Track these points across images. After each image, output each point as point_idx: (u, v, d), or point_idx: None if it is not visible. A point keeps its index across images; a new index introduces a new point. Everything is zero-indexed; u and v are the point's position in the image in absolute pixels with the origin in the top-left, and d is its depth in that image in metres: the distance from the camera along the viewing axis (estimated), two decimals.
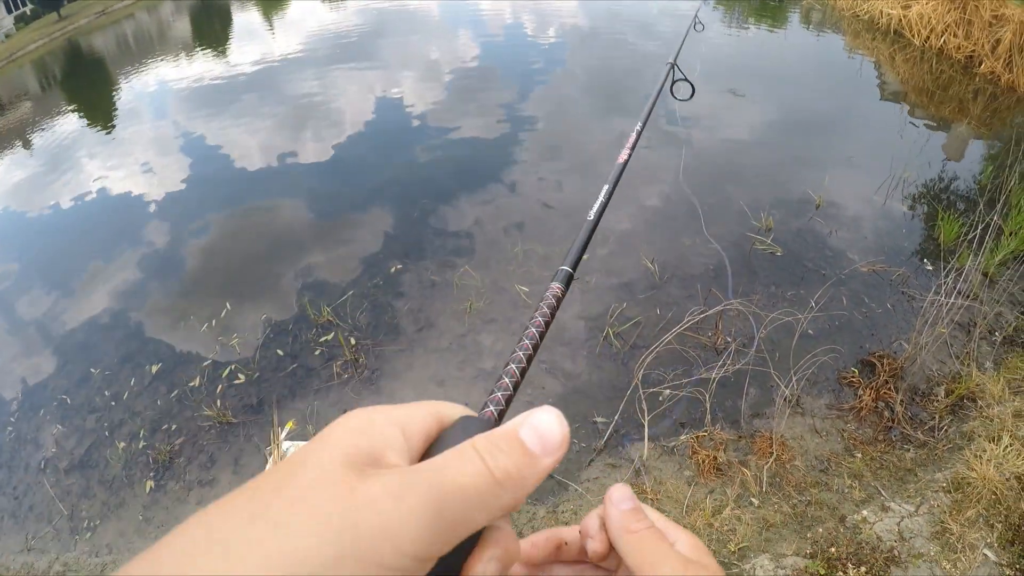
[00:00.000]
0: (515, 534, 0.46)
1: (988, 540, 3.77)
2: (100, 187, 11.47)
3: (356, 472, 0.39)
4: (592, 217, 1.06)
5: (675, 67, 2.43)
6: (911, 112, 11.07)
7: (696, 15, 3.86)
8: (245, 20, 26.56)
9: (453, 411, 0.51)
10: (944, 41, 13.71)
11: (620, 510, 0.57)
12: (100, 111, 17.47)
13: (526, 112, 11.77)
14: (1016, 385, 5.05)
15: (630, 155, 1.46)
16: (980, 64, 12.59)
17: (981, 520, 3.89)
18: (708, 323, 5.93)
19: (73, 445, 5.98)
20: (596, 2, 20.13)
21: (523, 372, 0.64)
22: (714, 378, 5.03)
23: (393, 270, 7.35)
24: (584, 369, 5.80)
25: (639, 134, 1.63)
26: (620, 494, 0.58)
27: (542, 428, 0.43)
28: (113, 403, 6.28)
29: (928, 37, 14.22)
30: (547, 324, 0.71)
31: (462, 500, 0.39)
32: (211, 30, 27.16)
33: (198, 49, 22.16)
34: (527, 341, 0.67)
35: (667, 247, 7.35)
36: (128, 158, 12.63)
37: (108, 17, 37.30)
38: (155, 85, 18.15)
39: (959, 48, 13.29)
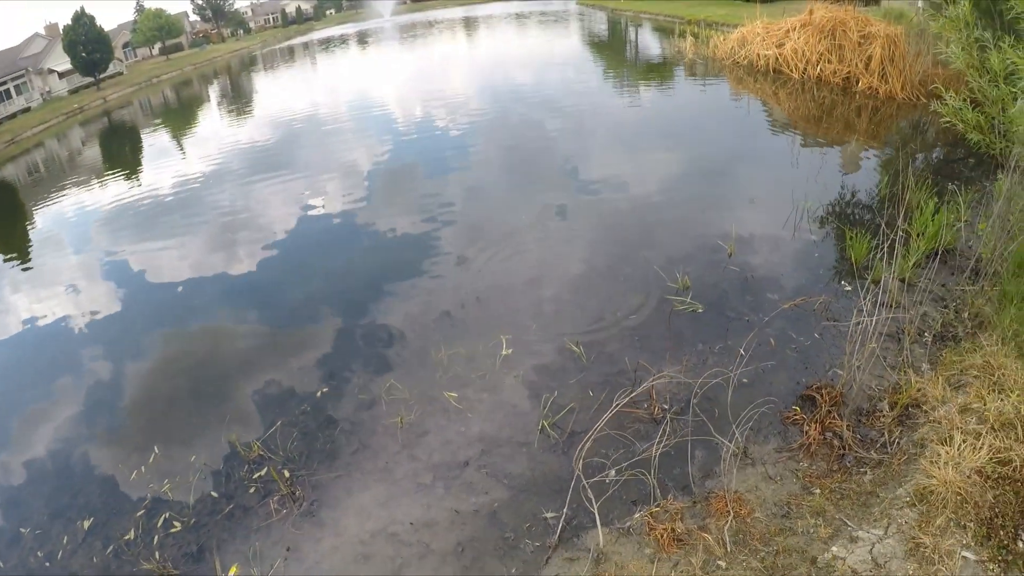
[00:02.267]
0: None
1: (964, 542, 3.54)
2: (18, 326, 10.99)
3: None
4: None
5: None
6: (803, 141, 11.43)
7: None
8: (154, 141, 26.75)
9: None
10: (820, 69, 14.51)
11: None
12: (16, 243, 17.07)
13: (443, 200, 11.87)
14: (955, 380, 4.94)
15: None
16: (858, 82, 13.33)
17: (952, 524, 3.66)
18: (642, 397, 5.77)
19: None
20: None
21: None
22: (655, 452, 4.79)
23: (319, 394, 7.07)
24: (526, 467, 5.52)
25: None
26: None
27: None
28: (48, 564, 5.79)
29: (805, 69, 15.02)
30: None
31: None
32: (121, 153, 27.20)
33: (110, 173, 22.12)
34: None
35: (590, 326, 7.20)
36: (44, 293, 12.21)
37: (17, 145, 37.07)
38: (71, 212, 17.94)
39: (835, 72, 14.05)
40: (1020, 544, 3.48)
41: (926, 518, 3.79)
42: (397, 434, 6.26)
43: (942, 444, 4.27)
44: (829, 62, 14.49)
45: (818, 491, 4.50)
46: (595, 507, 4.65)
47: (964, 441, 4.16)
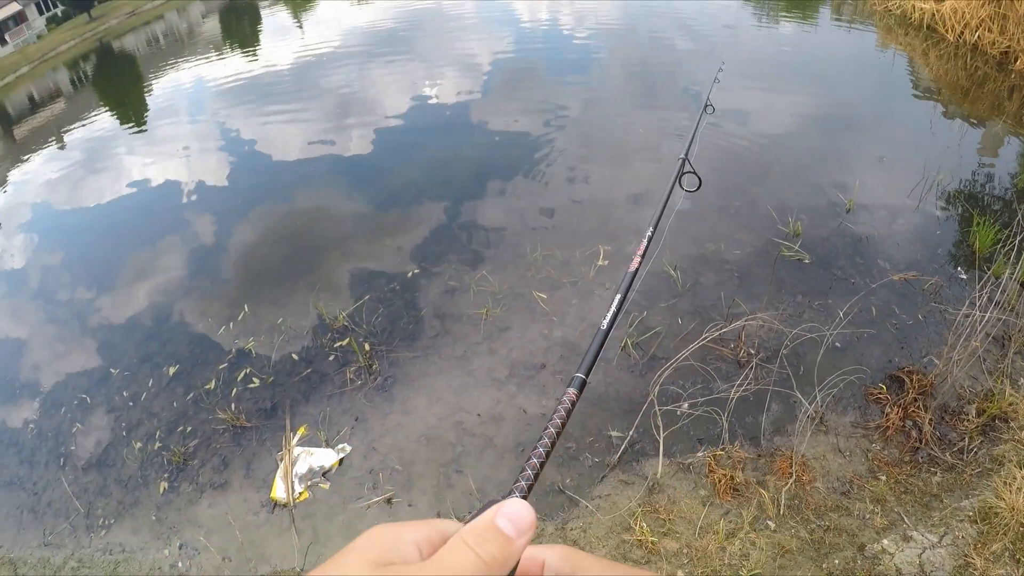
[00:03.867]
0: None
1: None
2: (129, 186, 11.69)
3: (378, 569, 0.48)
4: (605, 326, 1.11)
5: (686, 160, 2.60)
6: (944, 110, 10.73)
7: (707, 99, 3.85)
8: (274, 19, 26.73)
9: (454, 527, 0.56)
10: (978, 37, 13.26)
11: None
12: (133, 109, 17.76)
13: (560, 108, 11.66)
14: None
15: (640, 262, 1.50)
16: (1016, 60, 12.12)
17: (1007, 555, 3.69)
18: (731, 335, 5.76)
19: (91, 444, 6.05)
20: None
21: (543, 465, 0.72)
22: (733, 395, 4.83)
23: (410, 275, 7.28)
24: (601, 380, 5.65)
25: (650, 239, 1.69)
26: None
27: (514, 515, 0.52)
28: (131, 403, 6.33)
29: (962, 32, 13.76)
30: (563, 425, 0.80)
31: (455, 567, 0.48)
32: (240, 29, 27.44)
33: (228, 48, 22.38)
34: (546, 439, 0.76)
35: (691, 252, 7.15)
36: (157, 157, 12.85)
37: (138, 18, 37.95)
38: (187, 83, 18.44)
39: (994, 44, 12.84)
40: None
41: (984, 539, 3.82)
42: (480, 325, 6.43)
43: (1020, 468, 4.24)
44: (989, 31, 13.19)
45: (884, 478, 4.53)
46: (661, 436, 4.77)
47: None
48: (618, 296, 1.22)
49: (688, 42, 15.43)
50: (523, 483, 0.68)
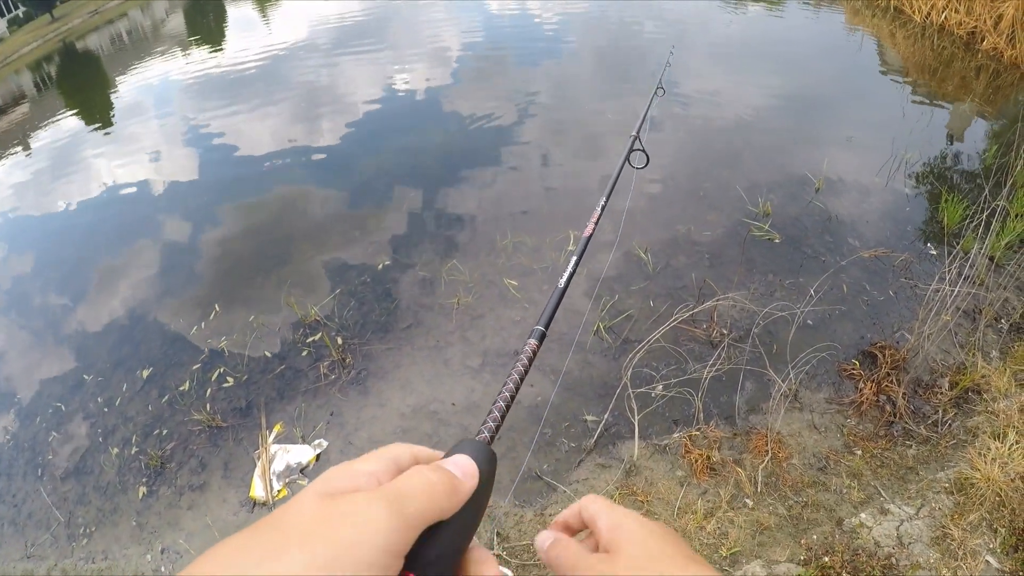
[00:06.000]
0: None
1: (991, 546, 3.57)
2: (98, 188, 11.49)
3: (330, 498, 0.50)
4: (562, 284, 1.22)
5: (637, 138, 2.74)
6: (913, 90, 10.79)
7: (659, 82, 4.03)
8: (240, 13, 26.40)
9: (405, 452, 0.61)
10: (945, 17, 13.36)
11: (545, 553, 0.71)
12: (99, 109, 17.57)
13: (530, 96, 11.62)
14: (1023, 377, 4.84)
15: (594, 229, 1.66)
16: (982, 40, 12.23)
17: (984, 524, 3.69)
18: (702, 316, 5.76)
19: (68, 452, 5.94)
20: None
21: (508, 406, 0.80)
22: (706, 375, 4.81)
23: (381, 266, 7.20)
24: (575, 365, 5.62)
25: (603, 209, 1.90)
26: (540, 541, 0.73)
27: (460, 462, 0.61)
28: (106, 409, 6.22)
29: (929, 13, 13.85)
30: (525, 372, 0.88)
31: (414, 500, 0.52)
32: (205, 25, 27.11)
33: (194, 44, 22.12)
34: (510, 384, 0.83)
35: (661, 235, 7.15)
36: (124, 157, 12.66)
37: (101, 16, 37.49)
38: (153, 81, 18.23)
39: (960, 24, 12.93)
40: None
41: (960, 510, 3.83)
42: (452, 315, 6.38)
43: (994, 439, 4.25)
44: (956, 11, 13.33)
45: (859, 452, 4.54)
46: (636, 418, 4.74)
47: (1018, 442, 4.13)
48: (574, 258, 1.31)
49: (656, 27, 15.43)
50: (490, 424, 0.76)
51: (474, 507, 0.60)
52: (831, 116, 9.74)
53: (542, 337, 1.01)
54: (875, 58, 12.52)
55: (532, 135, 9.99)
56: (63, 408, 6.43)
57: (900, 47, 12.95)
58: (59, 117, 17.24)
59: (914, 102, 10.22)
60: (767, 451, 4.57)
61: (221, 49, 20.06)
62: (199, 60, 19.28)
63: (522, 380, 0.85)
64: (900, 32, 13.52)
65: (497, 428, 0.76)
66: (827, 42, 13.79)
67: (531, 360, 0.91)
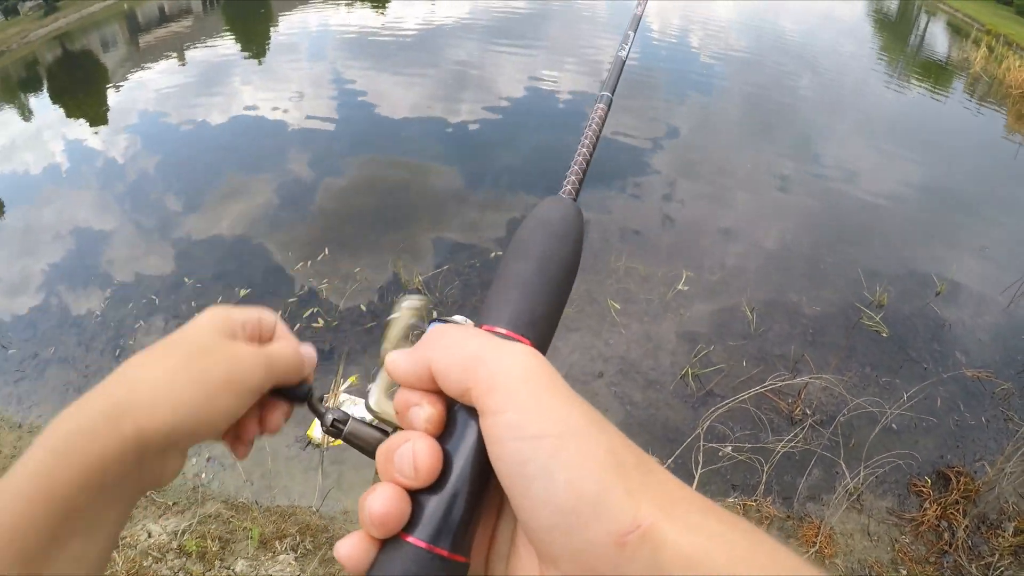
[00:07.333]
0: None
1: None
2: (237, 111, 12.16)
3: (229, 338, 0.67)
4: (624, 55, 1.14)
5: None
6: None
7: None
8: None
9: (271, 316, 0.74)
10: None
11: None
12: (256, 40, 18.40)
13: (672, 126, 11.66)
14: None
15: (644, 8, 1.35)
16: None
17: None
18: (790, 389, 5.79)
19: (148, 342, 6.25)
20: None
21: (588, 163, 0.83)
22: (780, 449, 4.88)
23: (493, 255, 7.43)
24: (652, 402, 5.76)
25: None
26: None
27: (307, 348, 0.73)
28: (196, 313, 6.56)
29: None
30: (597, 138, 0.88)
31: (281, 358, 0.68)
32: None
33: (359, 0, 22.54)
34: (587, 143, 0.85)
35: (771, 297, 7.18)
36: (270, 90, 13.26)
37: None
38: (312, 27, 19.16)
39: None
40: None
41: None
42: None
43: None
44: None
45: (904, 573, 4.56)
46: (698, 472, 4.83)
47: None
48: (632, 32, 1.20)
49: (812, 81, 15.20)
50: (573, 180, 0.81)
51: None
52: (970, 220, 9.42)
53: (610, 103, 0.97)
54: None
55: (663, 165, 10.07)
56: (156, 302, 6.89)
57: None
58: (218, 40, 18.15)
59: None
60: (815, 543, 4.63)
61: (384, 11, 20.44)
62: (360, 17, 19.90)
63: (595, 145, 0.87)
64: None
65: (580, 183, 0.80)
66: (983, 140, 13.28)
67: (600, 125, 0.90)
